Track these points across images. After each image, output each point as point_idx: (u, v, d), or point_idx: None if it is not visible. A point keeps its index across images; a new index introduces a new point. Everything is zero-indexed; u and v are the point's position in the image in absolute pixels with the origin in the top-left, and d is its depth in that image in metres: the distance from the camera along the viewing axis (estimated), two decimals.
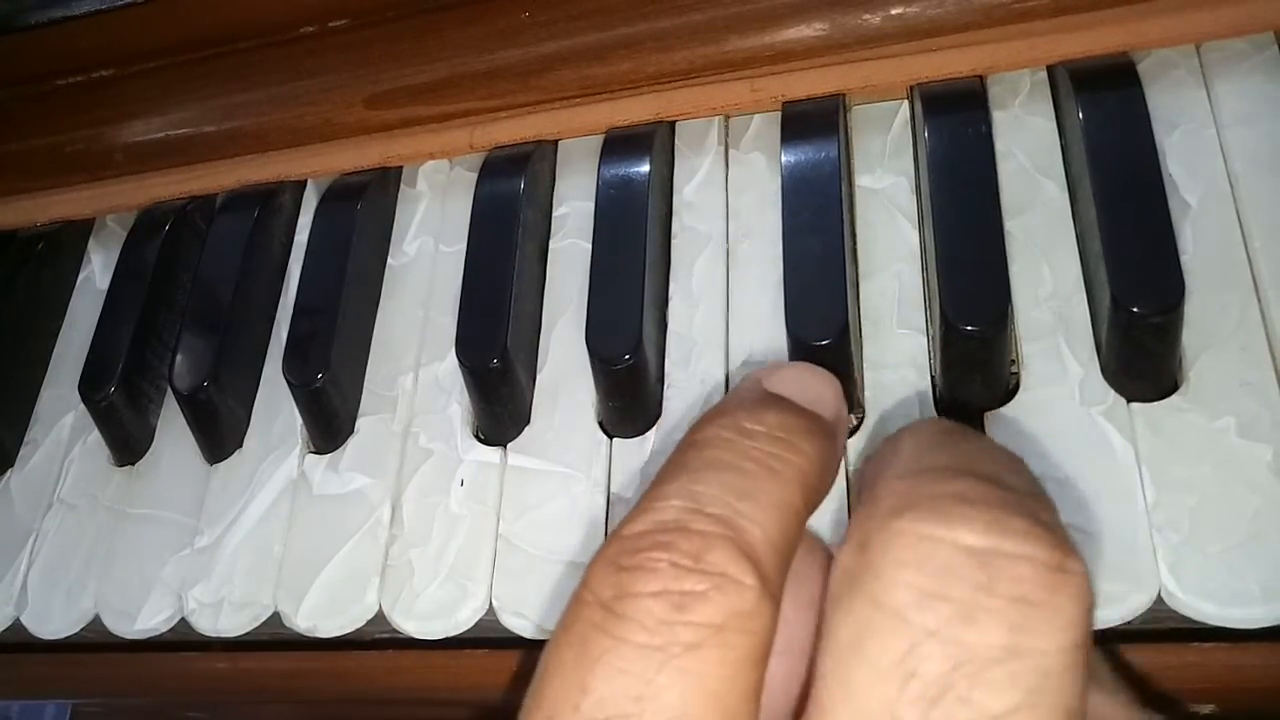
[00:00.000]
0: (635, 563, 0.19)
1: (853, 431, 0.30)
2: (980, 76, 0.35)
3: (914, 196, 0.34)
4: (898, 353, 0.31)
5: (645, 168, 0.36)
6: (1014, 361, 0.30)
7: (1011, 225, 0.32)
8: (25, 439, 0.41)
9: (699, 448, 0.21)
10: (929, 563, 0.17)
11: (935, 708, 0.16)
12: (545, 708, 0.18)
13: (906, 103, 0.36)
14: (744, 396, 0.23)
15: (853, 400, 0.31)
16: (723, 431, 0.22)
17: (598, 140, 0.38)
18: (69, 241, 0.45)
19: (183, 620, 0.34)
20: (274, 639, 0.34)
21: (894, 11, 0.34)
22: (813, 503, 0.22)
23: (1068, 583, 0.17)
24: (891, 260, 0.33)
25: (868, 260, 0.33)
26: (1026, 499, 0.19)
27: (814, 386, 0.24)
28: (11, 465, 0.40)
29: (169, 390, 0.38)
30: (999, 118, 0.34)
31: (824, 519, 0.29)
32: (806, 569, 0.21)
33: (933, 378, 0.31)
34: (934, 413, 0.30)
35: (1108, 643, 0.27)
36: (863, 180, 0.35)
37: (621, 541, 0.19)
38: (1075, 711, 0.17)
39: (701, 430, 0.22)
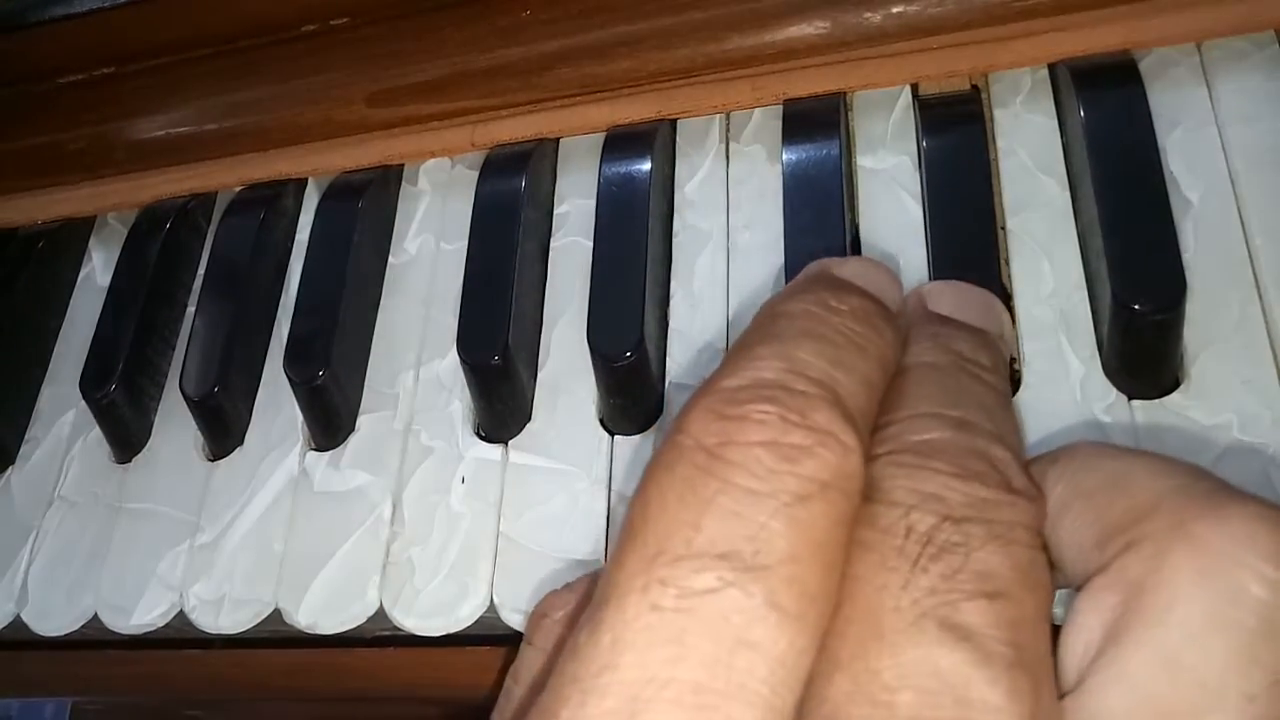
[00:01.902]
0: (741, 413, 0.19)
1: None
2: (975, 85, 0.35)
3: (916, 174, 0.34)
4: None
5: (646, 166, 0.36)
6: (1015, 359, 0.30)
7: (1012, 223, 0.32)
8: (26, 436, 0.41)
9: (790, 318, 0.21)
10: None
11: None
12: (653, 543, 0.18)
13: (908, 87, 0.36)
14: (819, 278, 0.23)
15: None
16: (811, 306, 0.22)
17: (599, 138, 0.38)
18: (70, 239, 0.45)
19: (183, 617, 0.34)
20: (275, 636, 0.34)
21: (895, 10, 0.34)
22: (885, 386, 0.22)
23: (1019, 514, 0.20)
24: (895, 237, 0.33)
25: (871, 238, 0.33)
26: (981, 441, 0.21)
27: (880, 279, 0.24)
28: (12, 463, 0.40)
29: (167, 386, 0.38)
30: (1000, 115, 0.34)
31: None
32: None
33: None
34: None
35: None
36: (865, 161, 0.35)
37: (721, 392, 0.19)
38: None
39: (788, 302, 0.22)
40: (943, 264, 0.31)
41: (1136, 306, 0.28)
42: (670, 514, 0.18)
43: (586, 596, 0.25)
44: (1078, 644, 0.19)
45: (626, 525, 0.19)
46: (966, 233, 0.31)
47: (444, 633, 0.32)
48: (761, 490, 0.18)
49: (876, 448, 0.21)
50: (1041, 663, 0.19)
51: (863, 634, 0.18)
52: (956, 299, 0.25)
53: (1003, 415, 0.22)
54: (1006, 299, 0.30)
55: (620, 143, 0.37)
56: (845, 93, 0.36)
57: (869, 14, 0.35)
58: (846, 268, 0.24)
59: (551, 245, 0.37)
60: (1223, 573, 0.18)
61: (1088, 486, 0.20)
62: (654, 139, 0.37)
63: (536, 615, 0.27)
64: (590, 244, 0.36)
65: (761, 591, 0.17)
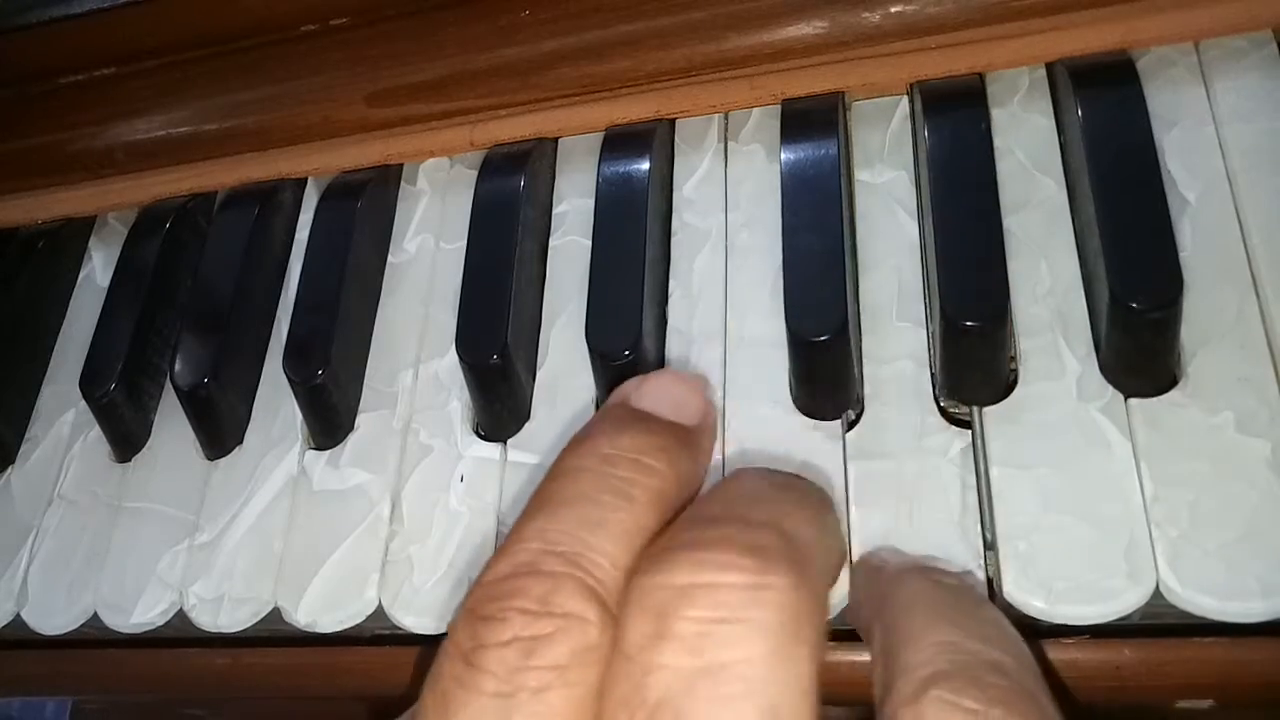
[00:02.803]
0: (489, 612, 0.21)
1: (851, 425, 0.31)
2: (980, 74, 0.35)
3: (914, 190, 0.34)
4: (897, 346, 0.31)
5: (645, 165, 0.36)
6: (1013, 358, 0.30)
7: (1010, 222, 0.32)
8: (26, 436, 0.41)
9: (560, 480, 0.24)
10: (650, 606, 0.20)
11: None
12: None
13: (906, 98, 0.36)
14: (609, 417, 0.26)
15: (852, 395, 0.31)
16: (583, 461, 0.24)
17: (598, 137, 0.38)
18: (70, 239, 0.45)
19: (183, 616, 0.34)
20: (274, 635, 0.34)
21: (894, 9, 0.34)
22: (673, 510, 0.24)
23: (764, 597, 0.20)
24: (891, 254, 0.33)
25: (867, 254, 0.33)
26: (756, 524, 0.22)
27: (677, 394, 0.26)
28: (12, 462, 0.40)
29: (167, 386, 0.39)
30: (998, 115, 0.34)
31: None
32: None
33: (932, 374, 0.31)
34: (931, 404, 0.30)
35: (1106, 638, 0.27)
36: (862, 175, 0.35)
37: (482, 589, 0.22)
38: (783, 702, 0.19)
39: (564, 461, 0.24)
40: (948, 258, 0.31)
41: (1134, 304, 0.28)
42: None
43: None
44: None
45: None
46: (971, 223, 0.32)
47: (443, 631, 0.32)
48: (503, 692, 0.20)
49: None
50: None
51: None
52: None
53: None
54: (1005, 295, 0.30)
55: (619, 142, 0.37)
56: (844, 92, 0.36)
57: (867, 13, 0.35)
58: (641, 393, 0.26)
59: (550, 244, 0.37)
60: None
61: (881, 643, 0.23)
62: (652, 138, 0.37)
63: None
64: (589, 243, 0.36)
65: None
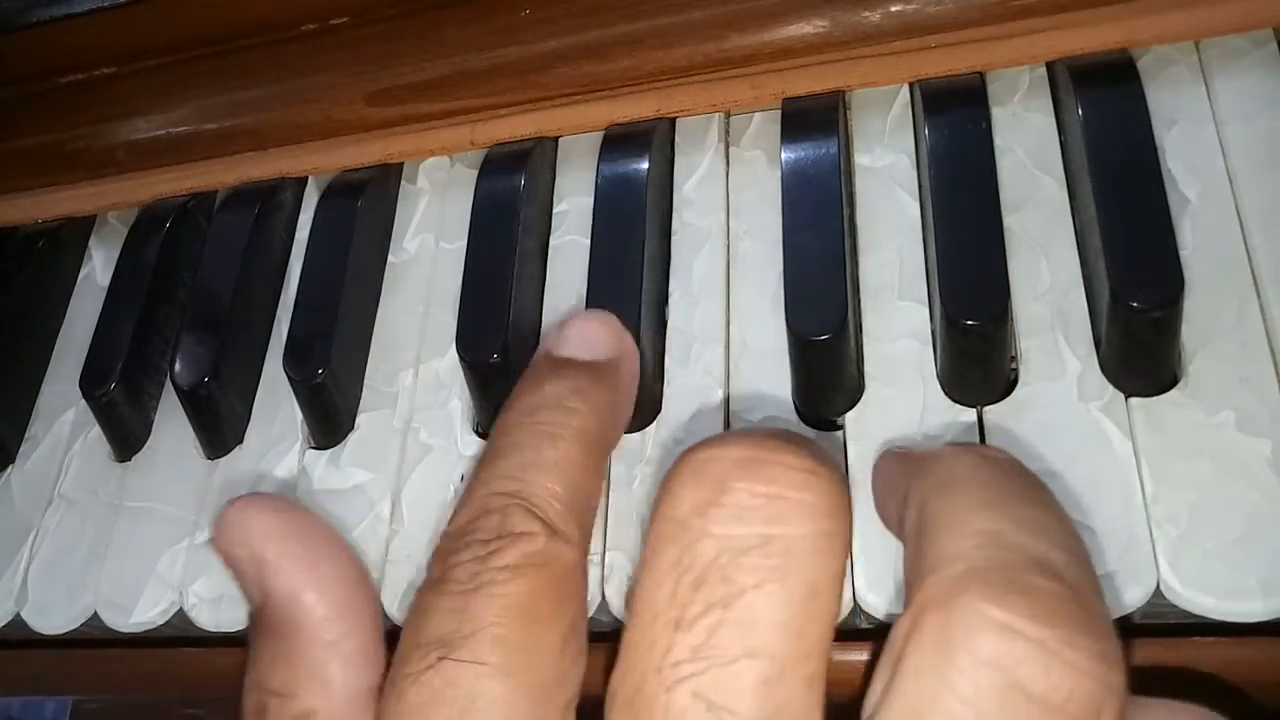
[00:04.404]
0: (451, 548, 0.23)
1: (851, 405, 0.31)
2: (980, 73, 0.35)
3: (914, 172, 0.34)
4: (899, 324, 0.31)
5: (644, 164, 0.36)
6: (1013, 357, 0.30)
7: (1010, 221, 0.32)
8: (26, 435, 0.41)
9: (496, 439, 0.26)
10: (706, 475, 0.21)
11: (701, 588, 0.20)
12: (400, 654, 0.23)
13: (906, 86, 0.36)
14: (532, 372, 0.28)
15: (852, 396, 0.31)
16: (514, 418, 0.26)
17: (598, 137, 0.38)
18: (70, 238, 0.45)
19: (183, 615, 0.34)
20: None
21: (894, 8, 0.34)
22: (600, 440, 0.27)
23: (815, 482, 0.21)
24: (893, 234, 0.33)
25: (869, 235, 0.33)
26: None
27: (589, 335, 0.29)
28: (12, 461, 0.40)
29: (167, 385, 0.39)
30: (998, 114, 0.34)
31: None
32: None
33: (935, 353, 0.31)
34: (934, 382, 0.30)
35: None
36: (863, 159, 0.35)
37: (445, 538, 0.24)
38: (821, 585, 0.20)
39: (500, 422, 0.27)
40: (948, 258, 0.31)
41: (1135, 304, 0.28)
42: (409, 629, 0.23)
43: None
44: (875, 686, 0.20)
45: None
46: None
47: None
48: (466, 587, 0.22)
49: None
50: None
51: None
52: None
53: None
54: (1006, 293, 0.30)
55: (619, 141, 0.37)
56: (844, 91, 0.36)
57: (867, 13, 0.35)
58: (560, 341, 0.29)
59: (551, 244, 0.37)
60: (952, 666, 0.18)
61: (915, 523, 0.22)
62: (652, 137, 0.37)
63: None
64: (588, 242, 0.36)
65: (469, 654, 0.21)
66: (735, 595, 0.20)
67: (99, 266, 0.44)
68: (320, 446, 0.36)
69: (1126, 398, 0.29)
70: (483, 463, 0.26)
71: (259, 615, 0.25)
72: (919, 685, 0.18)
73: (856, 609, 0.28)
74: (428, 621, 0.22)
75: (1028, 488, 0.22)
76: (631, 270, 0.34)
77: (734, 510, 0.21)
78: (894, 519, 0.25)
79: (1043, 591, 0.18)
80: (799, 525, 0.20)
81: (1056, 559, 0.19)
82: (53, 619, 0.36)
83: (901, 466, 0.25)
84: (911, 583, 0.20)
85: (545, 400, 0.26)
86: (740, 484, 0.21)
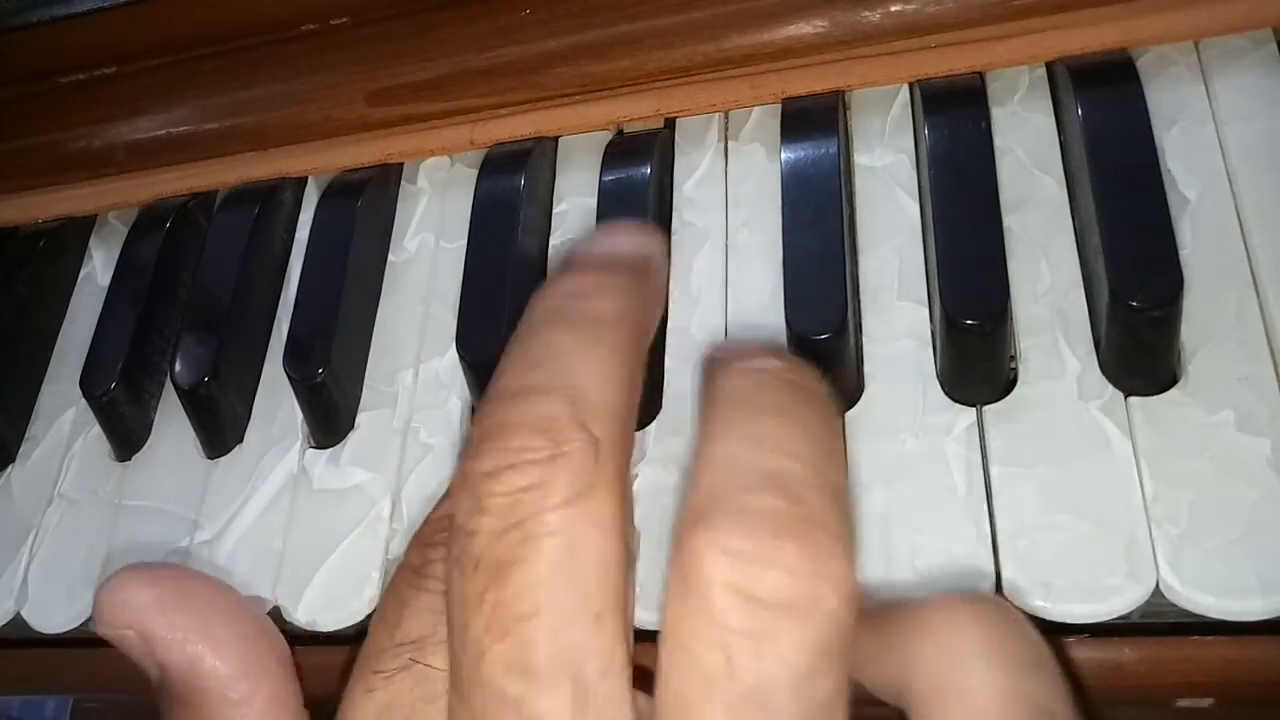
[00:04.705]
0: (433, 542, 0.23)
1: (851, 404, 0.31)
2: (980, 73, 0.35)
3: (914, 172, 0.34)
4: (899, 324, 0.31)
5: (645, 165, 0.36)
6: (1013, 356, 0.30)
7: (1010, 221, 0.32)
8: (26, 434, 0.41)
9: (524, 338, 0.23)
10: (469, 488, 0.21)
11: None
12: (371, 646, 0.23)
13: (906, 86, 0.36)
14: (561, 271, 0.25)
15: (852, 395, 0.31)
16: (540, 312, 0.24)
17: (599, 137, 0.38)
18: (71, 238, 0.45)
19: None
20: None
21: (894, 8, 0.34)
22: (639, 344, 0.24)
23: (559, 464, 0.20)
24: (893, 234, 0.33)
25: (869, 235, 0.33)
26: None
27: (619, 236, 0.27)
28: (13, 461, 0.40)
29: (167, 384, 0.39)
30: (998, 114, 0.34)
31: None
32: None
33: (934, 353, 0.31)
34: (934, 382, 0.30)
35: (1105, 636, 0.27)
36: (863, 159, 0.35)
37: (429, 524, 0.24)
38: (583, 544, 0.20)
39: (529, 318, 0.24)
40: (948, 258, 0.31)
41: (1134, 303, 0.28)
42: (383, 622, 0.23)
43: None
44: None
45: None
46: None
47: None
48: (441, 589, 0.22)
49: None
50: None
51: None
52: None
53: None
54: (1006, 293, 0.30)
55: (620, 143, 0.37)
56: (844, 91, 0.36)
57: (867, 13, 0.35)
58: (595, 243, 0.27)
59: (552, 244, 0.37)
60: (694, 596, 0.19)
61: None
62: (653, 138, 0.37)
63: None
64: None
65: (440, 661, 0.21)
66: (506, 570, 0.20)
67: (99, 266, 0.44)
68: (320, 446, 0.36)
69: (1126, 397, 0.29)
70: (510, 367, 0.23)
71: (162, 688, 0.25)
72: (673, 621, 0.19)
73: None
74: (403, 616, 0.22)
75: (778, 401, 0.22)
76: None
77: (495, 512, 0.21)
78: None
79: (762, 509, 0.19)
80: (553, 498, 0.20)
81: (786, 469, 0.20)
82: (53, 618, 0.36)
83: (705, 375, 0.24)
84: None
85: (583, 290, 0.24)
86: (496, 489, 0.21)
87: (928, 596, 0.22)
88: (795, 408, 0.22)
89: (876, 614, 0.23)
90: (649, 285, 0.26)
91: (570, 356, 0.22)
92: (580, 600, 0.20)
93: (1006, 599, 0.27)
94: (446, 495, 0.24)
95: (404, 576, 0.23)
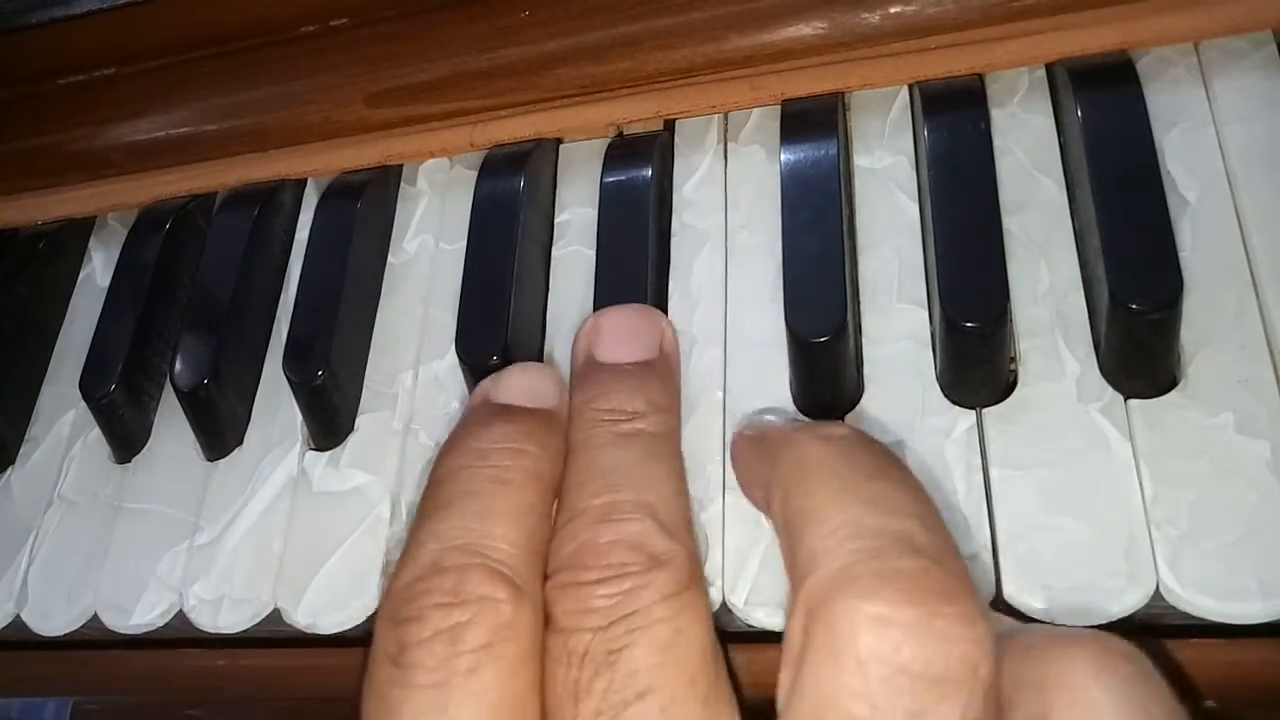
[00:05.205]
0: (407, 614, 0.22)
1: (851, 406, 0.31)
2: (979, 75, 0.35)
3: (914, 173, 0.34)
4: (898, 326, 0.31)
5: (646, 167, 0.36)
6: (1012, 358, 0.30)
7: (1010, 222, 0.32)
8: (26, 436, 0.41)
9: (441, 484, 0.25)
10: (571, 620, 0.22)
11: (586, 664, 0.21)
12: None
13: (905, 87, 0.36)
14: (474, 417, 0.27)
15: (852, 396, 0.31)
16: (458, 460, 0.25)
17: (599, 144, 0.38)
18: (70, 240, 0.45)
19: (183, 617, 0.34)
20: (274, 636, 0.34)
21: (893, 10, 0.34)
22: (551, 487, 0.25)
23: (651, 591, 0.22)
24: (892, 235, 0.33)
25: (868, 237, 0.33)
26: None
27: (533, 383, 0.28)
28: (12, 462, 0.40)
29: (167, 386, 0.39)
30: (998, 116, 0.34)
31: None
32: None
33: (934, 355, 0.31)
34: (934, 384, 0.30)
35: None
36: (862, 161, 0.35)
37: (393, 596, 0.23)
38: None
39: (441, 467, 0.26)
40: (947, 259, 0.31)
41: (1134, 305, 0.28)
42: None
43: None
44: (781, 686, 0.20)
45: None
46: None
47: None
48: (439, 680, 0.21)
49: (548, 570, 0.24)
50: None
51: None
52: (615, 339, 0.29)
53: (649, 470, 0.25)
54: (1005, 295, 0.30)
55: (620, 146, 0.37)
56: (843, 92, 0.36)
57: (867, 14, 0.35)
58: (500, 389, 0.28)
59: (554, 254, 0.37)
60: (841, 667, 0.19)
61: (781, 517, 0.22)
62: (654, 141, 0.37)
63: None
64: (592, 252, 0.36)
65: None
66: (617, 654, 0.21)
67: (99, 267, 0.44)
68: (320, 448, 0.36)
69: (1126, 399, 0.29)
70: (428, 510, 0.24)
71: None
72: (817, 688, 0.19)
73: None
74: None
75: (873, 463, 0.23)
76: (634, 272, 0.34)
77: (598, 616, 0.22)
78: (760, 500, 0.26)
79: (904, 572, 0.20)
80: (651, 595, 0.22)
81: (912, 530, 0.20)
82: (53, 620, 0.36)
83: (756, 454, 0.26)
84: (791, 578, 0.21)
85: (493, 442, 0.25)
86: (594, 604, 0.22)
87: (1053, 630, 0.22)
88: (889, 469, 0.23)
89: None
90: (562, 432, 0.27)
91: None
92: (687, 681, 0.21)
93: (1007, 602, 0.27)
94: (403, 560, 0.24)
95: (383, 671, 0.22)
